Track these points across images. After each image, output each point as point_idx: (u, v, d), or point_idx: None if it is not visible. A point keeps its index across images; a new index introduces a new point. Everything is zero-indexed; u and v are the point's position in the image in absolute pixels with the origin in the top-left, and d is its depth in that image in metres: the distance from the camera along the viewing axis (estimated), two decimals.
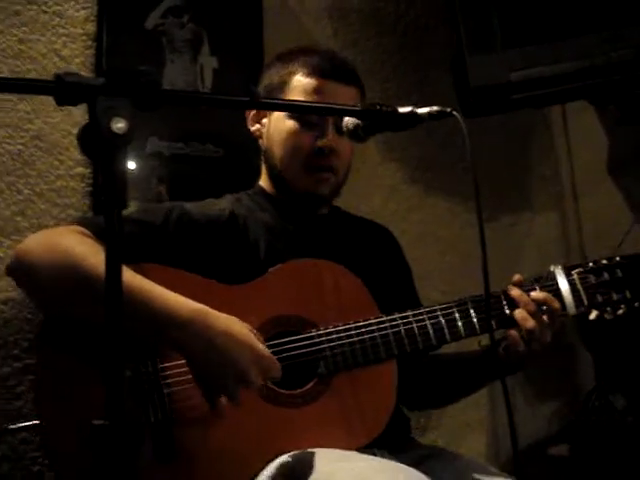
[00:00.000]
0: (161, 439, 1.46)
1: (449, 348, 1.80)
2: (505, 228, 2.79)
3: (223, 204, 1.76)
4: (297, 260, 1.67)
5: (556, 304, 1.64)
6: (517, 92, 2.33)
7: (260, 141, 1.87)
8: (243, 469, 1.48)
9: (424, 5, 2.75)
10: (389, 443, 1.58)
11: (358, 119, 1.50)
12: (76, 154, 2.03)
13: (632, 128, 2.71)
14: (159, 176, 2.10)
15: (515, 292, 1.65)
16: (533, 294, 1.65)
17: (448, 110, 1.41)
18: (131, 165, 2.04)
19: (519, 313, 1.63)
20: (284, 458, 1.46)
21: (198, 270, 1.59)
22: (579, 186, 2.99)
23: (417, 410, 2.03)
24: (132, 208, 1.70)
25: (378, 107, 1.43)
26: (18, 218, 1.94)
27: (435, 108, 1.42)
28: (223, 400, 1.43)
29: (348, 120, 1.56)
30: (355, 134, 1.57)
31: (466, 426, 2.63)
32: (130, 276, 1.39)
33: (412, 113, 1.43)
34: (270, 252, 1.69)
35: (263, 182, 1.88)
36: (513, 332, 1.63)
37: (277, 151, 1.78)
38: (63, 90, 1.01)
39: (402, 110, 1.44)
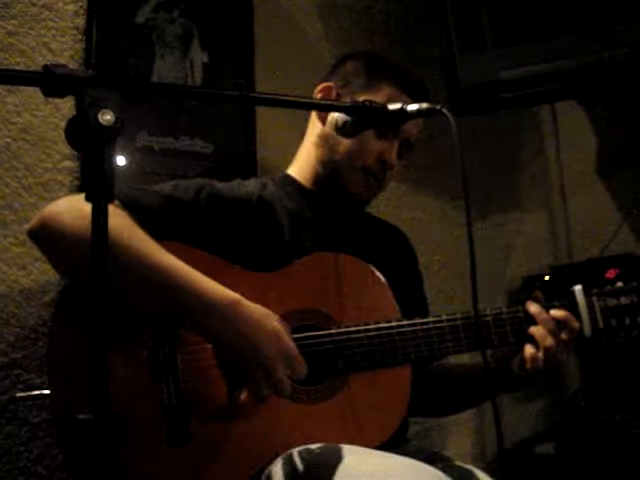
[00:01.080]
0: (174, 423, 1.46)
1: None
2: (494, 227, 2.79)
3: (251, 187, 1.76)
4: (323, 253, 1.66)
5: (575, 323, 1.62)
6: (507, 91, 2.34)
7: (319, 135, 1.84)
8: (254, 459, 1.47)
9: (414, 3, 2.76)
10: (389, 442, 1.55)
11: (347, 115, 1.50)
12: (64, 148, 2.02)
13: (621, 129, 2.72)
14: (148, 171, 2.10)
15: (534, 309, 1.63)
16: (553, 312, 1.63)
17: (437, 107, 1.41)
18: (121, 160, 2.03)
19: (538, 331, 1.61)
20: (301, 449, 1.45)
21: (224, 249, 1.59)
22: (568, 186, 3.01)
23: (419, 417, 2.03)
24: (163, 184, 1.68)
25: (367, 103, 1.43)
26: (5, 212, 1.93)
27: (424, 105, 1.43)
28: (243, 395, 1.42)
29: (338, 116, 1.56)
30: (344, 130, 1.57)
31: (452, 424, 2.63)
32: (166, 258, 1.40)
33: (401, 110, 1.43)
34: (294, 240, 1.70)
35: (294, 171, 1.88)
36: (529, 348, 1.61)
37: (344, 147, 1.77)
38: (51, 81, 1.01)
39: (391, 107, 1.44)
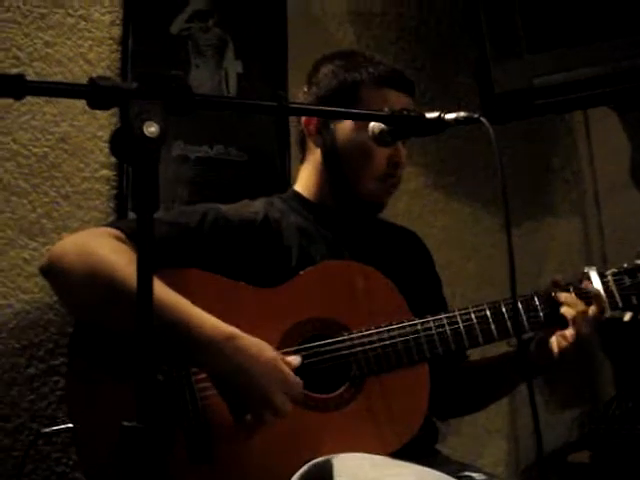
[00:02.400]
0: (195, 441, 1.46)
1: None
2: (528, 233, 2.78)
3: (257, 207, 1.75)
4: (329, 262, 1.67)
5: (596, 306, 1.64)
6: (540, 97, 2.33)
7: (319, 149, 1.82)
8: (276, 472, 1.47)
9: (447, 10, 2.76)
10: (416, 454, 1.54)
11: (385, 124, 1.51)
12: (101, 157, 2.05)
13: None
14: (183, 179, 2.11)
15: (562, 295, 1.65)
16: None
17: (475, 116, 1.41)
18: None
19: (568, 311, 1.63)
20: (316, 461, 1.46)
21: (231, 272, 1.59)
22: (601, 192, 2.99)
23: (448, 419, 2.03)
24: (165, 211, 1.70)
25: (405, 112, 1.43)
26: (44, 220, 1.95)
27: (462, 114, 1.42)
28: (248, 417, 1.43)
29: (374, 125, 1.57)
30: (381, 139, 1.57)
31: (486, 433, 2.62)
32: (163, 292, 1.39)
33: (439, 118, 1.43)
34: (302, 256, 1.69)
35: (300, 187, 1.87)
36: (554, 332, 1.64)
37: (349, 160, 1.77)
38: (97, 94, 1.02)
39: (429, 115, 1.44)
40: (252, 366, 1.40)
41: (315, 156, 1.83)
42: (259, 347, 1.44)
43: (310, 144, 1.84)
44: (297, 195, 1.86)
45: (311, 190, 1.84)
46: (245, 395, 1.41)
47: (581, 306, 1.63)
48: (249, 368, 1.40)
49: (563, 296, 1.65)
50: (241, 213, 1.71)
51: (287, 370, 1.44)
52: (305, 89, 1.85)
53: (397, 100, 1.75)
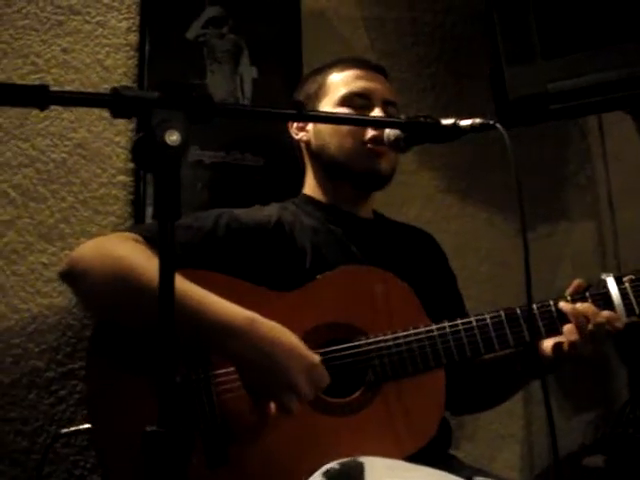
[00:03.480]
0: (212, 445, 1.47)
1: None
2: (542, 238, 2.78)
3: (270, 211, 1.78)
4: (345, 267, 1.68)
5: (599, 318, 1.61)
6: (555, 102, 2.33)
7: (305, 147, 1.91)
8: (292, 476, 1.48)
9: (461, 15, 2.76)
10: (431, 458, 1.55)
11: (401, 130, 1.52)
12: (118, 162, 2.07)
13: None
14: (200, 184, 2.13)
15: (566, 306, 1.64)
16: (578, 305, 1.63)
17: (491, 122, 1.42)
18: None
19: (567, 327, 1.62)
20: (331, 465, 1.47)
21: (246, 275, 1.60)
22: (616, 196, 2.98)
23: (462, 414, 2.05)
24: (183, 218, 1.72)
25: (421, 119, 1.44)
26: (62, 225, 1.97)
27: (478, 120, 1.43)
28: (272, 407, 1.44)
29: (390, 132, 1.58)
30: (396, 145, 1.58)
31: (500, 438, 2.62)
32: (182, 283, 1.40)
33: (455, 125, 1.44)
34: (316, 258, 1.70)
35: (309, 189, 1.91)
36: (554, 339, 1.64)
37: (332, 140, 1.82)
38: (120, 103, 1.03)
39: (445, 122, 1.44)
40: (275, 349, 1.41)
41: (309, 156, 1.90)
42: (282, 332, 1.44)
43: (303, 148, 1.92)
44: (307, 198, 1.89)
45: (319, 191, 1.89)
46: (268, 380, 1.41)
47: (580, 320, 1.61)
48: (271, 351, 1.40)
49: (565, 307, 1.63)
50: (254, 216, 1.73)
51: (311, 355, 1.45)
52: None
53: (371, 75, 1.87)
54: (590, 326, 1.60)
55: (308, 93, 1.89)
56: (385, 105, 1.84)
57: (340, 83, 1.85)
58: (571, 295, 1.67)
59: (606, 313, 1.62)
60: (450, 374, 1.66)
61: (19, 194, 1.94)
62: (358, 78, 1.85)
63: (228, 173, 2.18)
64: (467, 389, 1.88)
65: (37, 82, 1.97)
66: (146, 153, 1.03)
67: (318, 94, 1.87)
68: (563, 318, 1.64)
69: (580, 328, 1.60)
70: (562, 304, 1.64)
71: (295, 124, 1.92)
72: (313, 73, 1.96)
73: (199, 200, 2.11)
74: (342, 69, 1.88)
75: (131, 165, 2.07)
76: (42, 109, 1.00)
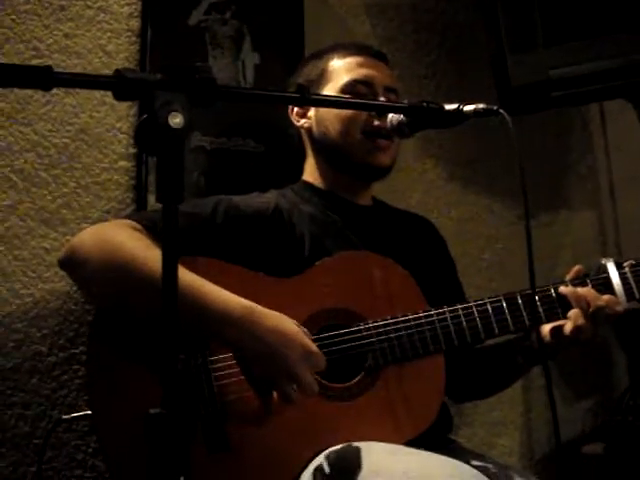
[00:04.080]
0: (212, 431, 1.48)
1: None
2: (543, 226, 2.78)
3: (268, 198, 1.79)
4: (344, 253, 1.68)
5: (599, 302, 1.62)
6: (557, 90, 2.33)
7: (306, 133, 1.90)
8: (293, 461, 1.49)
9: (463, 2, 2.75)
10: (431, 443, 1.56)
11: (404, 115, 1.52)
12: (120, 148, 2.06)
13: None
14: (201, 170, 2.13)
15: (566, 289, 1.65)
16: (579, 289, 1.64)
17: (494, 108, 1.42)
18: None
19: (573, 312, 1.62)
20: (332, 450, 1.48)
21: (244, 262, 1.60)
22: (617, 185, 2.98)
23: (463, 402, 2.06)
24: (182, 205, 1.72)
25: (425, 104, 1.44)
26: (64, 210, 1.97)
27: (481, 106, 1.43)
28: (274, 396, 1.44)
29: (393, 116, 1.58)
30: (400, 130, 1.58)
31: (500, 424, 2.63)
32: (181, 272, 1.40)
33: (458, 110, 1.44)
34: (315, 245, 1.70)
35: (308, 176, 1.91)
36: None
37: (333, 127, 1.82)
38: (123, 86, 1.03)
39: (448, 107, 1.45)
40: (273, 338, 1.42)
41: (310, 143, 1.90)
42: (280, 319, 1.45)
43: (304, 135, 1.91)
44: (307, 184, 1.90)
45: (318, 178, 1.89)
46: (268, 368, 1.42)
47: (584, 304, 1.62)
48: (269, 339, 1.41)
49: (565, 290, 1.64)
50: (252, 203, 1.73)
51: (309, 342, 1.46)
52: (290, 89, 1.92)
53: (372, 63, 1.87)
54: (591, 309, 1.61)
55: (309, 78, 1.88)
56: (387, 92, 1.84)
57: (342, 70, 1.85)
58: (571, 280, 1.68)
59: (606, 297, 1.63)
60: (451, 361, 1.66)
61: (21, 179, 1.94)
62: (360, 65, 1.84)
63: (230, 159, 2.18)
64: (468, 376, 1.89)
65: None
66: (149, 136, 1.03)
67: (320, 80, 1.86)
68: (563, 303, 1.65)
69: (581, 311, 1.61)
70: (562, 288, 1.65)
71: (295, 110, 1.91)
72: (313, 57, 1.96)
73: (200, 186, 2.11)
74: (344, 55, 1.87)
75: (133, 151, 2.07)
76: (46, 90, 1.00)
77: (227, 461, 1.48)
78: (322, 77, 1.86)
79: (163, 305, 1.02)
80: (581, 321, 1.60)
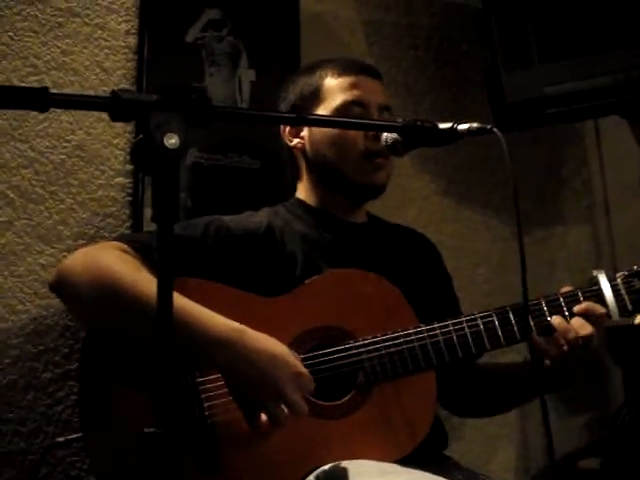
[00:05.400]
0: (203, 452, 1.48)
1: None
2: (537, 242, 2.79)
3: (260, 217, 1.78)
4: (334, 270, 1.68)
5: (599, 310, 1.63)
6: (552, 106, 2.35)
7: (299, 153, 1.88)
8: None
9: (458, 19, 2.77)
10: (426, 460, 1.56)
11: (398, 134, 1.52)
12: (116, 164, 2.07)
13: None
14: (197, 187, 2.13)
15: (556, 319, 1.64)
16: (576, 308, 1.65)
17: (488, 127, 1.42)
18: None
19: (559, 324, 1.62)
20: (322, 469, 1.48)
21: (236, 283, 1.60)
22: (611, 200, 2.99)
23: (466, 416, 2.07)
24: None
25: (419, 123, 1.45)
26: (60, 227, 1.98)
27: (475, 125, 1.43)
28: (263, 417, 1.43)
29: (387, 135, 1.59)
30: (394, 149, 1.59)
31: (496, 439, 2.63)
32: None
33: (452, 129, 1.44)
34: (307, 264, 1.70)
35: (301, 194, 1.90)
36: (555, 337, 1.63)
37: (329, 150, 1.80)
38: (119, 106, 1.04)
39: (442, 126, 1.45)
40: (262, 359, 1.41)
41: (304, 162, 1.88)
42: (269, 342, 1.45)
43: (297, 154, 1.89)
44: (300, 202, 1.88)
45: (311, 196, 1.87)
46: (257, 390, 1.41)
47: (569, 335, 1.61)
48: (258, 362, 1.41)
49: (556, 322, 1.63)
50: (244, 224, 1.73)
51: (298, 364, 1.45)
52: (280, 105, 1.91)
53: (366, 83, 1.84)
54: (575, 341, 1.62)
55: (302, 95, 1.85)
56: (381, 111, 1.83)
57: (336, 90, 1.82)
58: (563, 294, 1.68)
59: (589, 328, 1.62)
60: (455, 376, 1.66)
61: (17, 195, 1.95)
62: (354, 86, 1.82)
63: (226, 176, 2.19)
64: (469, 391, 1.90)
65: (36, 84, 1.98)
66: (145, 156, 1.04)
67: (313, 99, 1.83)
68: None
69: (566, 342, 1.61)
70: (554, 318, 1.64)
71: (288, 129, 1.88)
72: (305, 72, 1.91)
73: (196, 202, 2.11)
74: (338, 74, 1.84)
75: (129, 167, 2.07)
76: (43, 111, 1.01)
77: None
78: (315, 96, 1.84)
79: (156, 325, 1.02)
80: (587, 330, 1.61)
